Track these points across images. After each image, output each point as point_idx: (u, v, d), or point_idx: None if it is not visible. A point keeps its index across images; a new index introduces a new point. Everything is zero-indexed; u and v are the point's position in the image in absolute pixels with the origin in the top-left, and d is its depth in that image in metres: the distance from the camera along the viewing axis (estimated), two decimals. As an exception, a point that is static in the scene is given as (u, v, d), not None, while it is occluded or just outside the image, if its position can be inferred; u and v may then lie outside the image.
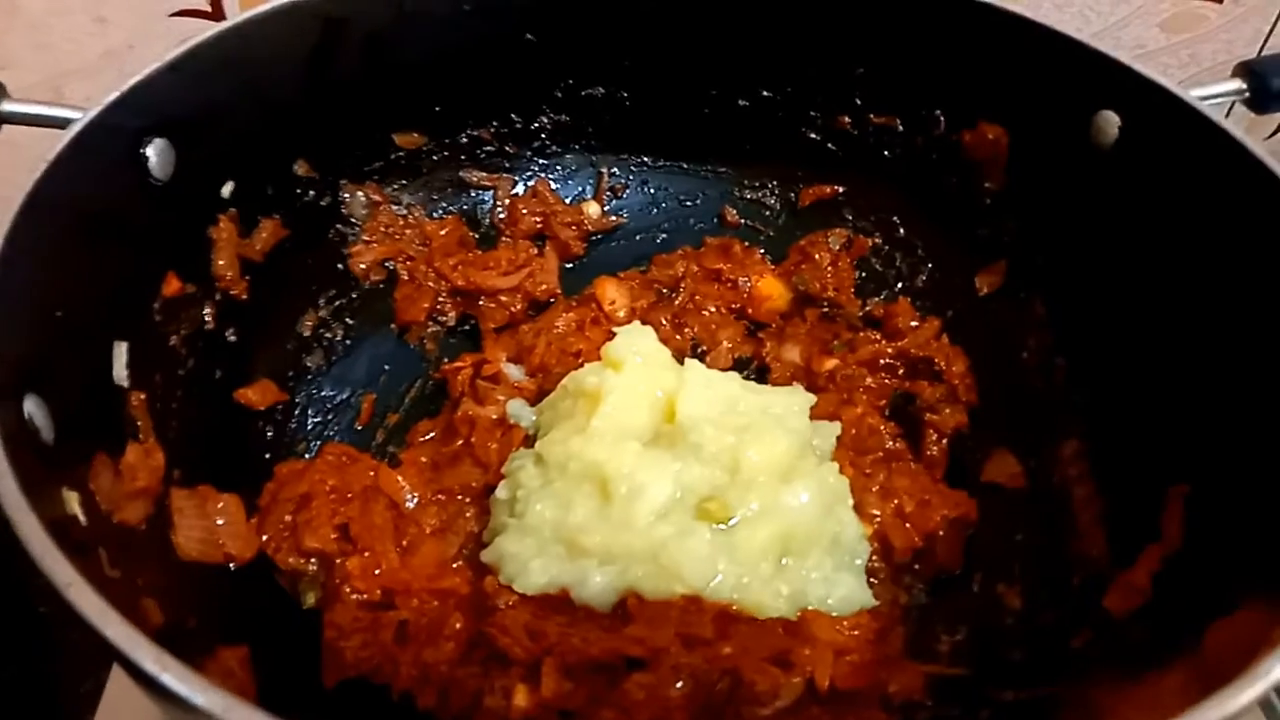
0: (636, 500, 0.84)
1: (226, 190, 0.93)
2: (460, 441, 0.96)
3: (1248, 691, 0.51)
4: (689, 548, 0.82)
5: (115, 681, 0.93)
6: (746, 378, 1.07)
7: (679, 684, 0.75)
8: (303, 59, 0.93)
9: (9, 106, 0.86)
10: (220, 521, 0.84)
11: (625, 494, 0.84)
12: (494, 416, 0.98)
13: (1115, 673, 0.73)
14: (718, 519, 0.85)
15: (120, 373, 0.80)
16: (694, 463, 0.87)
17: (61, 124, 0.78)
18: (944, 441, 1.01)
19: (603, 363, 0.96)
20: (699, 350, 1.12)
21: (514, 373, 1.04)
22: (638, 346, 0.96)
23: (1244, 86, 0.93)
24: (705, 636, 0.79)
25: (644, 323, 1.07)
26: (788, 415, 0.95)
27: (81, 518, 0.66)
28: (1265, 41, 1.41)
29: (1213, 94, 0.93)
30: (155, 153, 0.83)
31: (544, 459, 0.89)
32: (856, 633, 0.85)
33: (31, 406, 0.66)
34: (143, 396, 0.81)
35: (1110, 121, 0.90)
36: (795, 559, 0.87)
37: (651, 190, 1.21)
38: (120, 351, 0.80)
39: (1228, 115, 1.23)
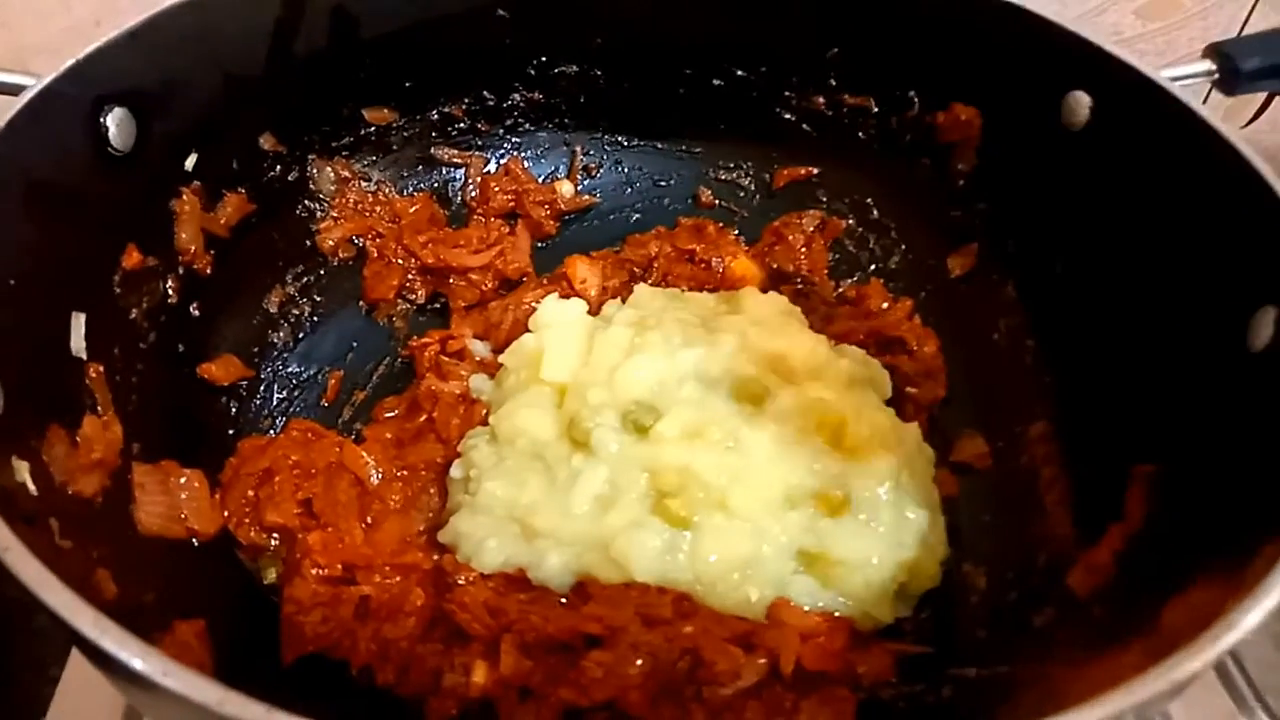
0: (573, 487, 0.83)
1: (190, 163, 0.92)
2: (424, 417, 0.96)
3: (1199, 657, 0.51)
4: (640, 541, 0.80)
5: (73, 667, 0.92)
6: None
7: (638, 662, 0.74)
8: (266, 30, 0.92)
9: (-39, 73, 0.84)
10: (184, 496, 0.83)
11: (564, 480, 0.84)
12: (457, 392, 0.97)
13: (1075, 650, 0.73)
14: (675, 524, 0.82)
15: (78, 344, 0.79)
16: None
17: (15, 90, 0.76)
18: (923, 415, 1.01)
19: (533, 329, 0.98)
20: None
21: (479, 349, 1.03)
22: (564, 312, 0.97)
23: (1214, 68, 0.93)
24: (665, 617, 0.78)
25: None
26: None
27: (31, 487, 0.65)
28: (1242, 28, 1.41)
29: (1183, 75, 0.93)
30: (115, 122, 0.81)
31: (496, 435, 0.89)
32: (825, 621, 0.84)
33: (-21, 374, 0.65)
34: (101, 369, 0.80)
35: (1081, 102, 0.90)
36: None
37: (625, 170, 1.20)
38: (78, 323, 0.79)
39: (1205, 101, 1.23)
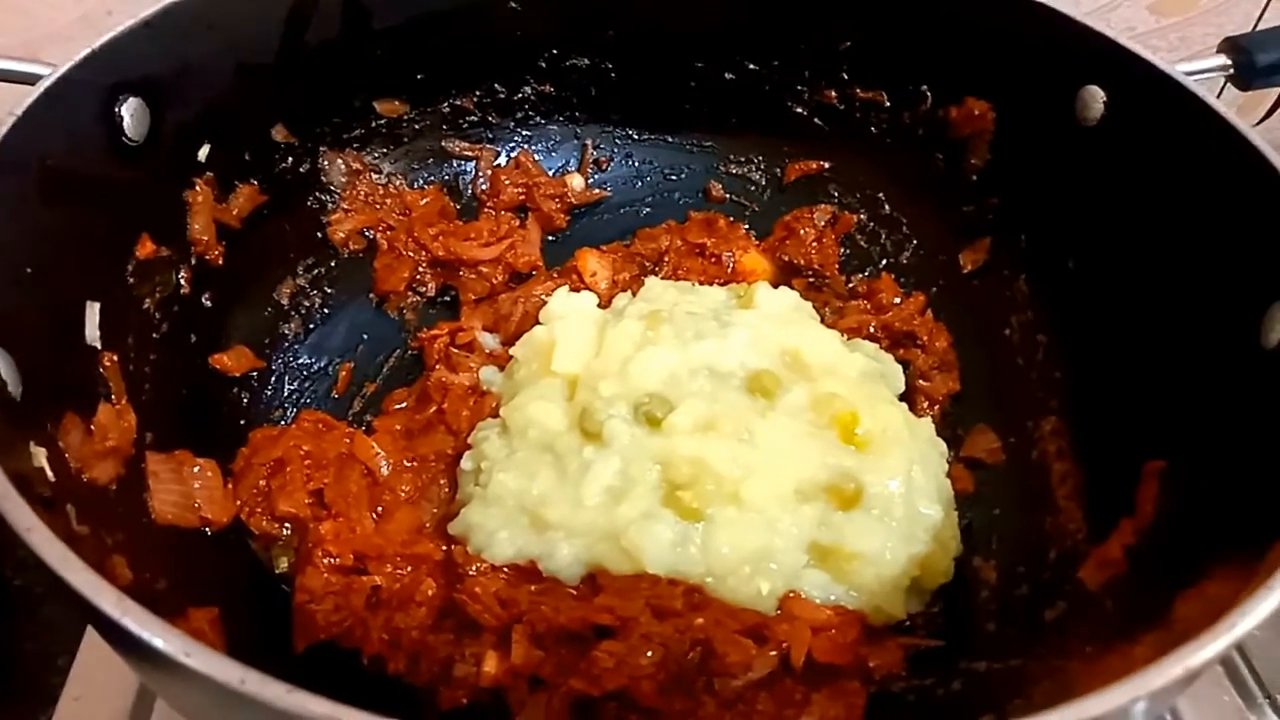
0: (584, 477, 0.83)
1: (203, 153, 0.92)
2: (433, 408, 0.96)
3: (1213, 645, 0.51)
4: (651, 532, 0.80)
5: (86, 652, 0.92)
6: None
7: (649, 653, 0.74)
8: (279, 19, 0.92)
9: (-23, 61, 0.84)
10: (197, 485, 0.84)
11: (575, 470, 0.84)
12: (467, 384, 0.98)
13: (1087, 643, 0.73)
14: (687, 516, 0.82)
15: (92, 333, 0.79)
16: None
17: (31, 80, 0.77)
18: (935, 409, 1.01)
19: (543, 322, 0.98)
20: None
21: (489, 341, 1.03)
22: (574, 304, 0.98)
23: (1229, 62, 0.93)
24: (676, 609, 0.78)
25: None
26: None
27: (49, 473, 0.66)
28: (1256, 24, 1.40)
29: (1199, 69, 0.92)
30: (129, 112, 0.82)
31: (508, 427, 0.89)
32: (837, 615, 0.83)
33: (-3, 360, 0.65)
34: (115, 358, 0.80)
35: (1095, 97, 0.90)
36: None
37: (636, 164, 1.20)
38: (92, 312, 0.79)
39: (1219, 96, 1.22)
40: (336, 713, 0.46)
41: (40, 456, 0.65)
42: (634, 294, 1.06)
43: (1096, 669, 0.69)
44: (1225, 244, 0.80)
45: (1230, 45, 0.93)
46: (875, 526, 0.83)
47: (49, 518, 0.55)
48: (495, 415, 0.95)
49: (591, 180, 1.19)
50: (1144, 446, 0.80)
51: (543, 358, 0.94)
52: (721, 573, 0.81)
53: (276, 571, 0.86)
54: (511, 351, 1.00)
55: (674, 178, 1.20)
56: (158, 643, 0.48)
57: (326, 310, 1.07)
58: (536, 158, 1.17)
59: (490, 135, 1.15)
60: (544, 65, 1.11)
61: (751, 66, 1.11)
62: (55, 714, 0.88)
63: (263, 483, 0.87)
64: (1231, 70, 0.93)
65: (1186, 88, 0.84)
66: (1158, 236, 0.86)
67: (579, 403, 0.88)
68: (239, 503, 0.86)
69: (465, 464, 0.91)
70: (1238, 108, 1.40)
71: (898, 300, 1.07)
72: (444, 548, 0.86)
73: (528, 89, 1.13)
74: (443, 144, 1.14)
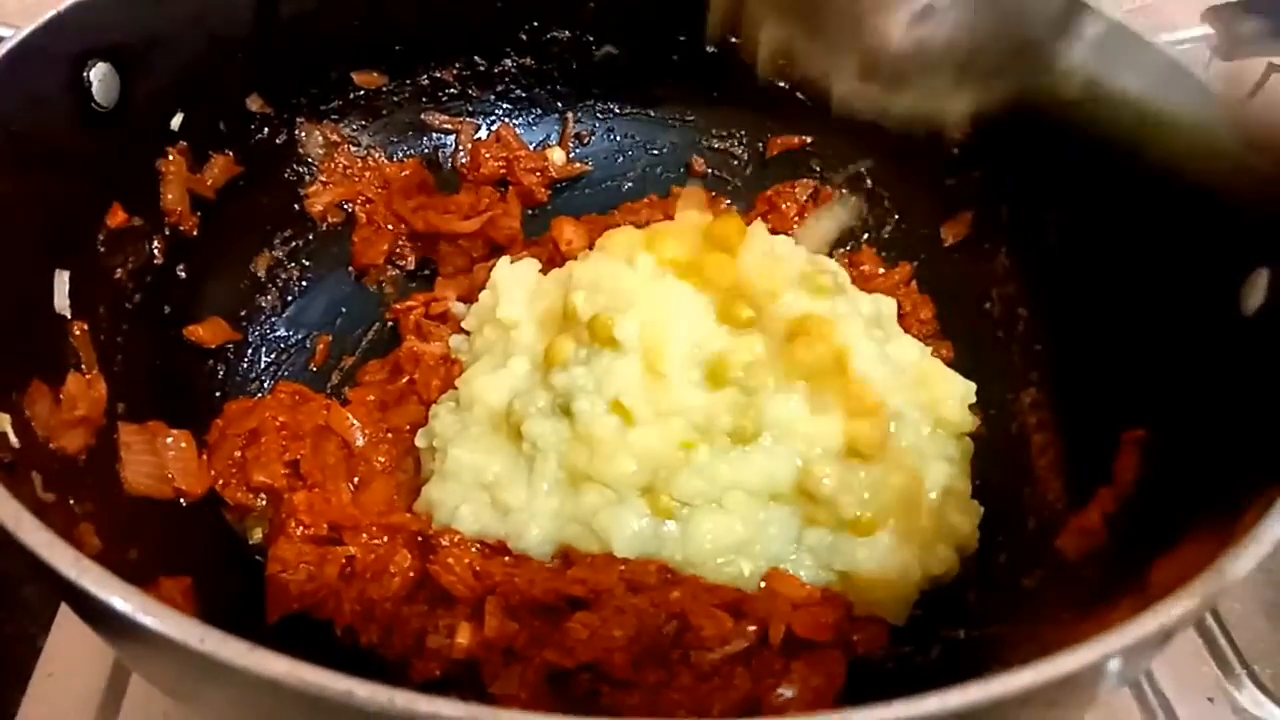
0: (532, 466, 0.81)
1: (176, 122, 0.91)
2: (406, 379, 0.95)
3: (1185, 602, 0.51)
4: (620, 518, 0.79)
5: (59, 629, 0.91)
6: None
7: (623, 625, 0.73)
8: (253, -13, 0.91)
9: (-61, 24, 0.83)
10: (171, 456, 0.83)
11: (527, 452, 0.82)
12: (439, 354, 0.97)
13: (1065, 610, 0.73)
14: (662, 514, 0.80)
15: (61, 302, 0.78)
16: None
17: (-7, 42, 0.75)
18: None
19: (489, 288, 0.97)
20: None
21: (462, 311, 1.02)
22: (518, 270, 0.96)
23: (1213, 31, 0.92)
24: (650, 583, 0.77)
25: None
26: None
27: (13, 439, 0.65)
28: None
29: (1180, 39, 0.92)
30: (98, 77, 0.80)
31: (460, 402, 0.88)
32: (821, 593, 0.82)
33: (-40, 325, 0.64)
34: (85, 327, 0.79)
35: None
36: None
37: (618, 138, 1.19)
38: (61, 280, 0.78)
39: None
40: (295, 669, 0.45)
41: (4, 422, 0.65)
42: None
43: (1074, 634, 0.69)
44: (1204, 214, 0.79)
45: (1213, 14, 0.92)
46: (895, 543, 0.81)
47: (10, 481, 0.54)
48: (457, 387, 0.95)
49: (573, 154, 1.18)
50: (1123, 416, 0.80)
51: (492, 321, 0.92)
52: (700, 560, 0.79)
53: (250, 542, 0.86)
54: (464, 324, 0.99)
55: (656, 152, 1.19)
56: (115, 602, 0.47)
57: (304, 283, 1.06)
58: (517, 131, 1.16)
59: (470, 108, 1.14)
60: (524, 37, 1.10)
61: (734, 40, 1.10)
62: (28, 692, 0.88)
63: (238, 453, 0.86)
64: (1214, 39, 0.92)
65: (1167, 54, 0.83)
66: (1138, 207, 0.85)
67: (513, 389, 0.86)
68: (213, 473, 0.85)
69: (419, 440, 0.90)
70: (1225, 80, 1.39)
71: (882, 271, 1.06)
72: (420, 518, 0.85)
73: (508, 61, 1.12)
74: (422, 116, 1.12)
